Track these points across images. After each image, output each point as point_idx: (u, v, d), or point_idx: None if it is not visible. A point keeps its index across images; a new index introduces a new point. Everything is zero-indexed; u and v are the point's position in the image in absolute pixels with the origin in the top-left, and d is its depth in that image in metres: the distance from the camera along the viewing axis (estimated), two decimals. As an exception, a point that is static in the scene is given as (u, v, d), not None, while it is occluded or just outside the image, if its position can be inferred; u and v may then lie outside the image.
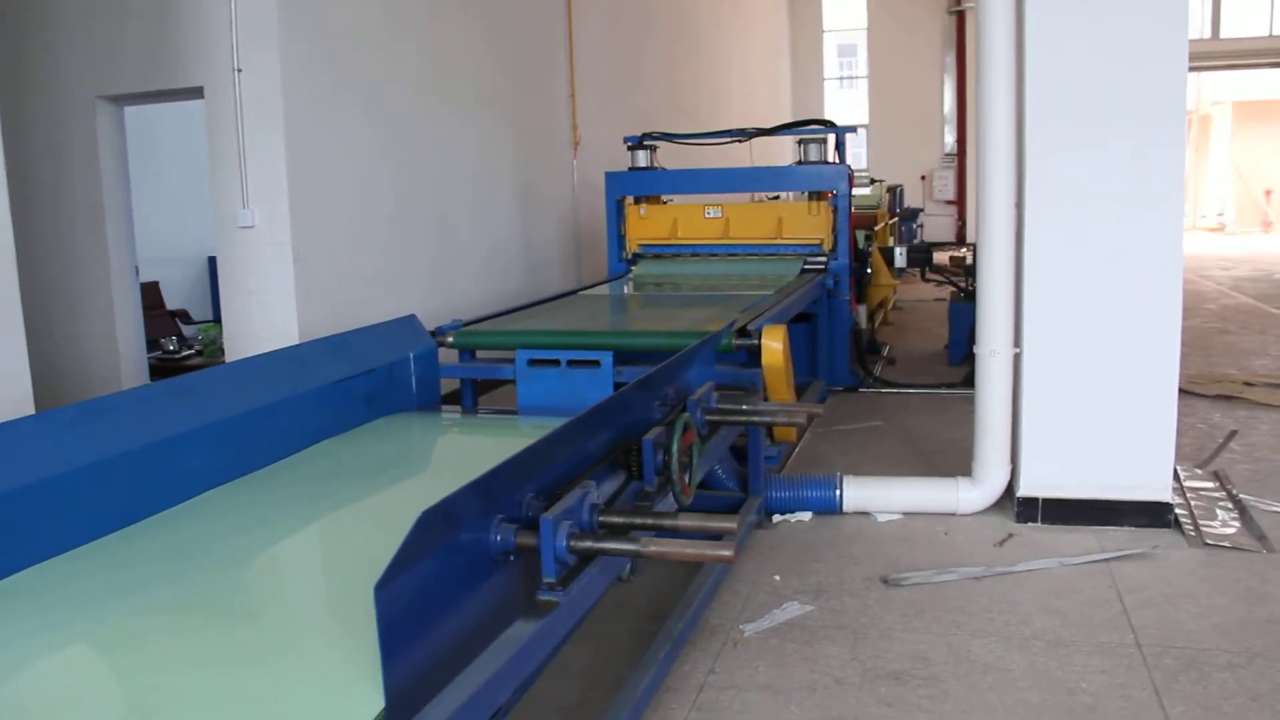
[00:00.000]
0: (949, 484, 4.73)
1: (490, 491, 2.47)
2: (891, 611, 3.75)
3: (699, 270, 7.70)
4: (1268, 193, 26.97)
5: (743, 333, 4.68)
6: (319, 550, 2.90)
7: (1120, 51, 4.29)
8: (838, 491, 4.76)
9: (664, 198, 8.19)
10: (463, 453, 4.21)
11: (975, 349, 4.65)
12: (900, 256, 8.39)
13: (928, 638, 3.55)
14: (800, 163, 7.63)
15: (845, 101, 27.81)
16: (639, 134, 8.17)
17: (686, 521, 2.52)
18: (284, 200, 5.85)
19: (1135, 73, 4.28)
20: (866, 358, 8.43)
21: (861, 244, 8.86)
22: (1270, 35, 22.21)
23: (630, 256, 7.96)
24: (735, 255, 7.76)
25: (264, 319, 6.02)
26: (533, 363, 4.86)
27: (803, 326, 7.42)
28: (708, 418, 3.65)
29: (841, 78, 31.60)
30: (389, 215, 6.82)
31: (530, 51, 9.02)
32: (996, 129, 4.42)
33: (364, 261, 6.51)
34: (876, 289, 8.38)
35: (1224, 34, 22.32)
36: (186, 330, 9.13)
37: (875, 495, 4.76)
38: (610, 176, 7.96)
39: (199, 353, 8.01)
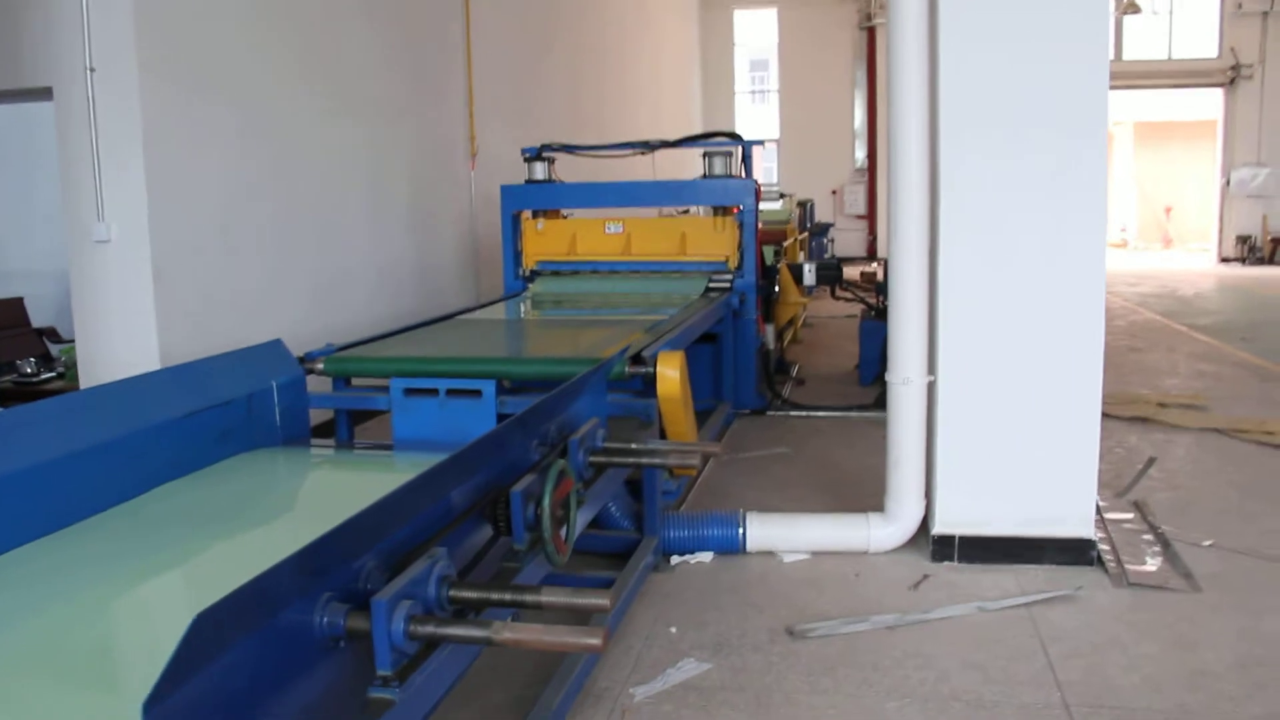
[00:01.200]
0: (859, 521, 4.41)
1: (318, 562, 2.07)
2: (797, 669, 3.40)
3: (599, 288, 7.32)
4: (1168, 210, 27.53)
5: (637, 359, 4.31)
6: (111, 624, 2.42)
7: (1039, 58, 4.02)
8: (741, 530, 4.40)
9: (564, 212, 7.81)
10: (322, 495, 3.76)
11: (886, 376, 4.34)
12: (809, 274, 8.11)
13: (837, 700, 3.20)
14: (705, 176, 7.30)
15: (757, 116, 27.74)
16: (539, 145, 7.78)
17: (550, 598, 2.13)
18: (143, 212, 5.35)
19: (1055, 81, 4.02)
20: (775, 379, 8.12)
21: (770, 260, 8.57)
22: (1169, 59, 22.59)
23: (527, 273, 7.56)
24: (637, 273, 7.40)
25: (123, 343, 5.50)
26: (409, 392, 4.46)
27: (707, 347, 7.08)
28: (592, 459, 3.27)
29: (754, 91, 31.57)
30: (266, 230, 6.33)
31: (424, 57, 8.58)
32: (908, 140, 4.12)
33: (237, 280, 6.01)
34: (785, 307, 8.09)
35: (1126, 55, 22.67)
36: (55, 349, 8.48)
37: (781, 534, 4.41)
38: (505, 190, 7.55)
39: (60, 375, 7.40)
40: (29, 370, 7.40)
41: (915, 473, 4.30)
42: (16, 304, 8.40)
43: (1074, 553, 4.16)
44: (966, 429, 4.24)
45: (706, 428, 6.26)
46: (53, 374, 7.48)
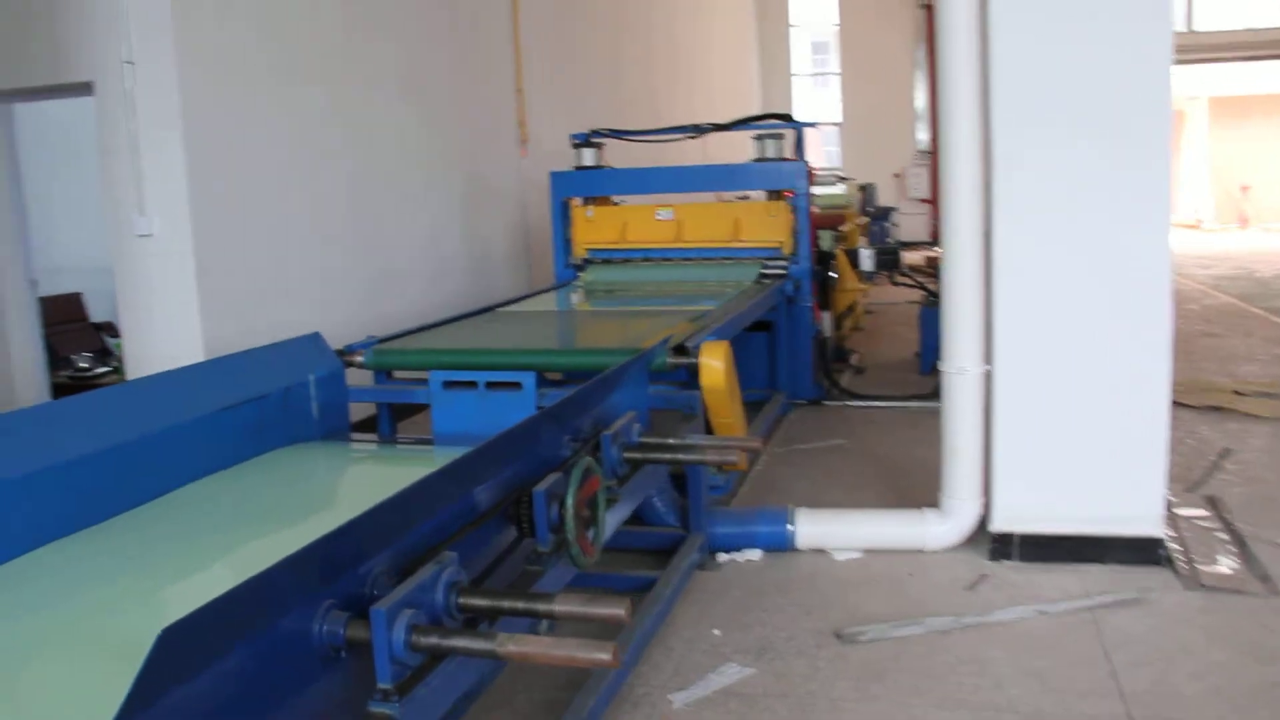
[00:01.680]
0: (915, 517, 4.22)
1: (313, 568, 1.96)
2: (844, 675, 3.23)
3: (650, 276, 7.18)
4: (1244, 189, 26.66)
5: (680, 349, 4.17)
6: (118, 620, 2.33)
7: (1095, 38, 3.80)
8: (790, 526, 4.24)
9: (615, 199, 7.67)
10: (353, 491, 3.67)
11: (940, 366, 4.15)
12: (867, 259, 7.88)
13: (885, 709, 3.04)
14: (757, 160, 7.11)
15: (819, 99, 27.36)
16: (589, 131, 7.64)
17: (564, 607, 1.99)
18: (184, 205, 5.29)
19: (1113, 60, 3.79)
20: (833, 367, 7.92)
21: (827, 246, 8.36)
22: (1247, 29, 21.87)
23: (578, 262, 7.44)
24: (689, 260, 7.24)
25: (167, 337, 5.46)
26: (448, 385, 4.35)
27: (761, 336, 6.92)
28: (626, 455, 3.13)
29: (815, 74, 31.15)
30: (312, 221, 6.26)
31: (472, 43, 8.47)
32: (959, 120, 3.93)
33: (282, 272, 5.95)
34: (842, 294, 7.87)
35: (1198, 27, 21.98)
36: (112, 344, 8.54)
37: (832, 531, 4.24)
38: (555, 176, 7.43)
39: (115, 370, 7.43)
40: (84, 365, 7.44)
41: (972, 467, 4.11)
42: (74, 299, 8.47)
43: (1141, 552, 3.94)
44: (1026, 421, 4.03)
45: (760, 419, 6.10)
46: (107, 369, 7.51)
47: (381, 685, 1.86)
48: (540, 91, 9.71)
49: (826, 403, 7.08)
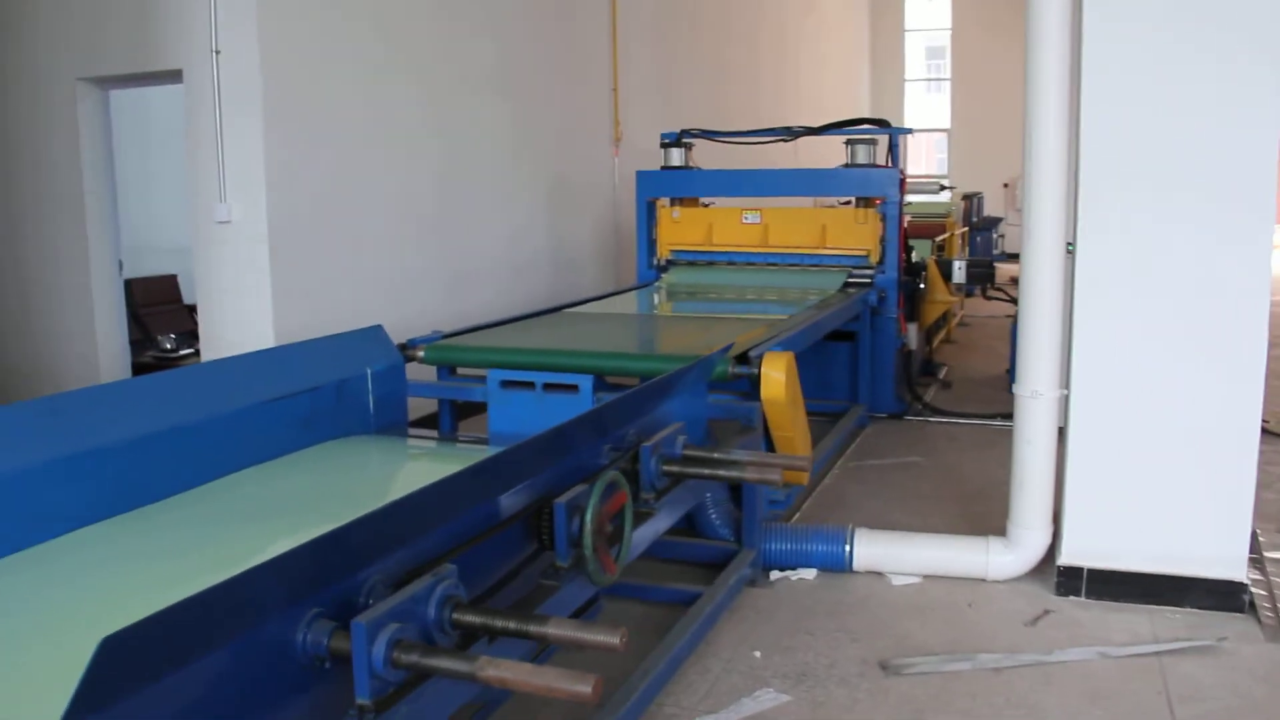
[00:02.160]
0: (978, 545, 4.03)
1: (311, 572, 1.91)
2: (882, 709, 3.08)
3: (734, 280, 7.05)
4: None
5: (742, 358, 4.04)
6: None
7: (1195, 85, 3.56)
8: (847, 547, 4.09)
9: (703, 200, 7.56)
10: (393, 488, 3.63)
11: (1014, 389, 3.95)
12: (959, 271, 7.62)
13: (924, 749, 2.88)
14: (848, 166, 6.93)
15: (932, 105, 26.81)
16: (679, 131, 7.54)
17: (557, 631, 1.90)
18: (261, 192, 5.35)
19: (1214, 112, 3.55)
20: (918, 381, 7.70)
21: (923, 255, 8.13)
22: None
23: (662, 263, 7.35)
24: (774, 265, 7.09)
25: (240, 323, 5.54)
26: (505, 384, 4.31)
27: (845, 345, 6.75)
28: (665, 468, 3.02)
29: (929, 80, 30.54)
30: (389, 212, 6.29)
31: (566, 39, 8.43)
32: (1045, 127, 3.72)
33: (357, 262, 5.98)
34: (932, 305, 7.62)
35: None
36: (205, 326, 8.72)
37: (891, 553, 4.07)
38: (641, 175, 7.35)
39: (198, 352, 7.56)
40: (168, 346, 7.60)
41: (1042, 496, 3.90)
42: (169, 281, 8.67)
43: (1221, 596, 3.69)
44: (1102, 450, 3.81)
45: (834, 431, 5.94)
46: (191, 350, 7.66)
47: (359, 700, 1.80)
48: (637, 91, 9.65)
49: (908, 417, 6.87)
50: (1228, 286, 3.60)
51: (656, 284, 7.18)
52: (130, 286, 8.84)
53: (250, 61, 5.27)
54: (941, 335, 9.50)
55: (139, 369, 6.65)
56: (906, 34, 23.46)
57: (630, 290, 6.98)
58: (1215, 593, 3.70)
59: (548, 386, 4.20)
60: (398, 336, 4.72)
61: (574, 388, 4.13)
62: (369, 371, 4.16)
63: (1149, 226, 3.66)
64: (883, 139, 7.18)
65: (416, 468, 3.90)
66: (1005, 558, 3.97)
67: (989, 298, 8.19)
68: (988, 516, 4.60)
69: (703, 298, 6.78)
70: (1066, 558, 3.87)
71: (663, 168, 7.39)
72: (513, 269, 7.60)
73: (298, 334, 5.13)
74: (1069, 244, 3.89)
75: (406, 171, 6.44)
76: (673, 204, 7.36)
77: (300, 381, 3.81)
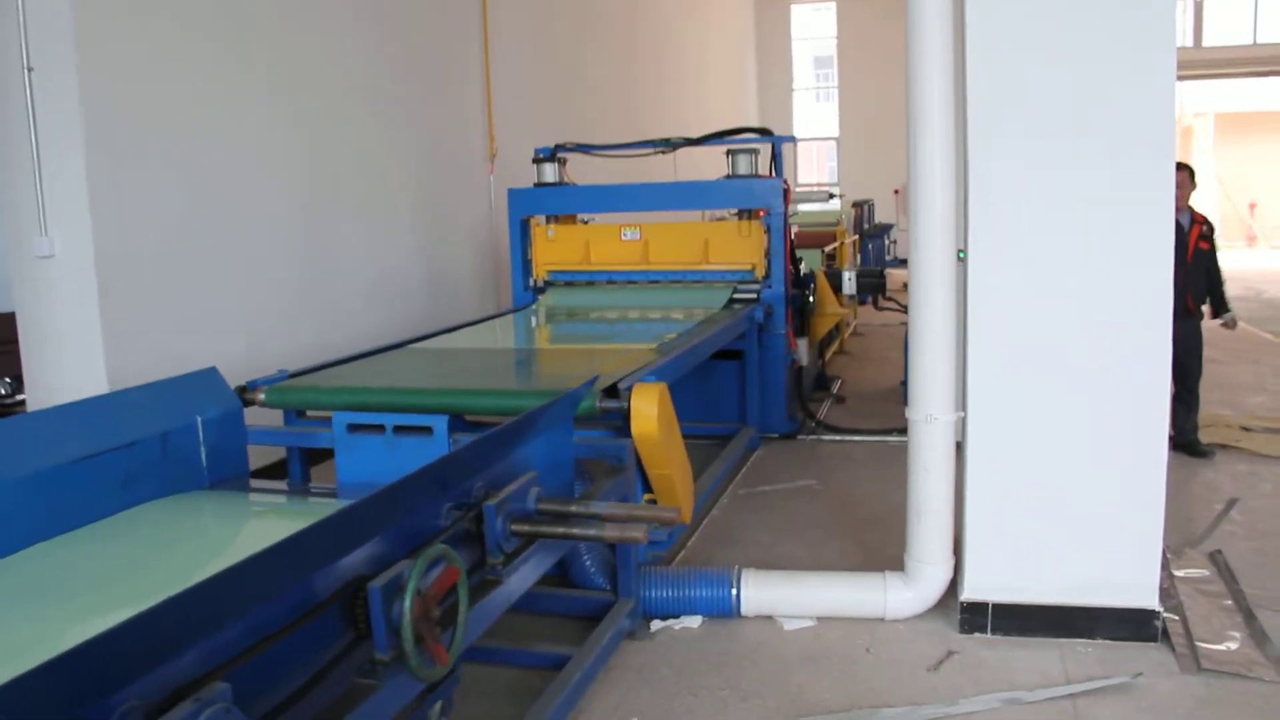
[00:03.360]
0: (875, 582, 3.72)
1: (44, 701, 1.50)
2: (776, 786, 2.74)
3: (614, 300, 6.70)
4: (1252, 206, 26.13)
5: (610, 391, 3.68)
6: None
7: (1090, 56, 3.31)
8: (734, 590, 3.74)
9: (581, 218, 7.20)
10: (210, 556, 3.18)
11: (907, 413, 3.65)
12: (849, 282, 7.39)
13: (820, 833, 2.54)
14: (729, 176, 6.63)
15: (823, 114, 26.90)
16: (554, 145, 7.17)
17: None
18: (86, 223, 4.83)
19: (1109, 81, 3.30)
20: (811, 398, 7.45)
21: (813, 266, 7.89)
22: (1254, 44, 21.41)
23: (539, 283, 6.97)
24: (656, 283, 6.76)
25: (71, 368, 4.99)
26: (353, 428, 3.89)
27: (732, 364, 6.44)
28: (515, 528, 2.63)
29: (819, 88, 30.71)
30: (247, 242, 5.78)
31: (433, 52, 8.00)
32: (930, 118, 3.45)
33: (210, 298, 5.46)
34: (822, 318, 7.38)
35: (1206, 42, 21.53)
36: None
37: (782, 596, 3.74)
38: (513, 193, 6.96)
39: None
40: (1, 391, 6.96)
41: (941, 527, 3.61)
42: (8, 319, 7.99)
43: (1134, 625, 3.43)
44: (1004, 475, 3.53)
45: (723, 456, 5.61)
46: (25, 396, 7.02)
47: None
48: (512, 106, 9.25)
49: (801, 437, 6.58)
50: (1127, 289, 3.35)
51: (533, 306, 6.80)
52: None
53: (68, 78, 4.75)
54: (834, 347, 9.29)
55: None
56: (795, 43, 23.47)
57: (505, 314, 6.58)
58: (1128, 622, 3.44)
59: (399, 429, 3.79)
60: (259, 376, 4.29)
61: (427, 430, 3.74)
62: (199, 420, 3.73)
63: (1041, 221, 3.39)
64: (765, 148, 6.92)
65: (245, 530, 3.45)
66: (904, 595, 3.67)
67: (880, 308, 7.98)
68: (887, 544, 4.32)
69: (582, 319, 6.42)
70: (970, 592, 3.58)
71: (536, 184, 7.01)
72: (386, 297, 7.14)
73: (136, 379, 4.62)
74: (959, 251, 3.63)
75: (265, 197, 5.95)
76: (548, 222, 6.99)
77: (115, 436, 3.38)
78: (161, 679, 1.73)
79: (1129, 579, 3.44)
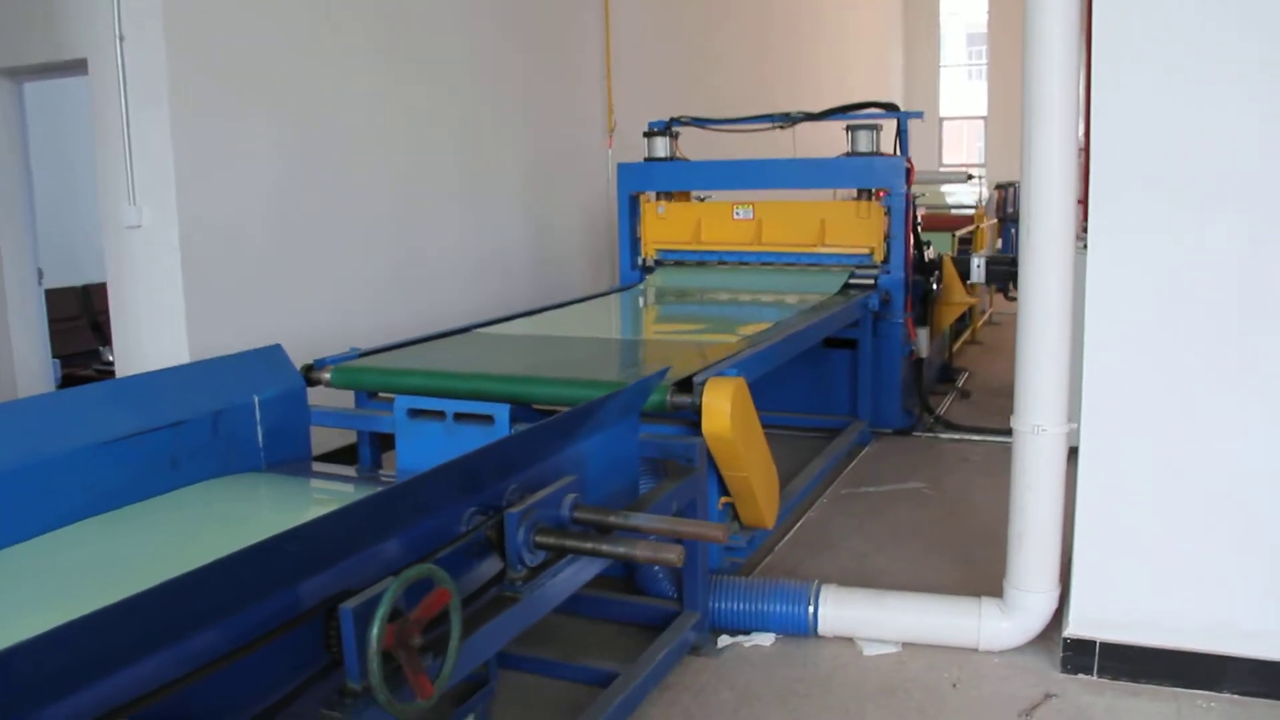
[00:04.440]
0: (969, 608, 3.33)
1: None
2: (827, 845, 2.42)
3: (724, 282, 6.38)
4: None
5: (684, 385, 3.39)
6: None
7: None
8: (811, 608, 3.41)
9: (695, 195, 6.89)
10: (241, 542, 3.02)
11: (1012, 422, 3.26)
12: (978, 269, 6.88)
13: None
14: (848, 154, 6.22)
15: (975, 92, 25.85)
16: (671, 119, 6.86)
17: None
18: (171, 194, 4.75)
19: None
20: (936, 389, 7.00)
21: (942, 251, 7.40)
22: None
23: (649, 262, 6.69)
24: (770, 264, 6.41)
25: (153, 338, 4.95)
26: (414, 413, 3.69)
27: (845, 354, 6.05)
28: (540, 539, 2.37)
29: (970, 65, 29.55)
30: (340, 214, 5.66)
31: (547, 17, 7.76)
32: (1047, 77, 3.02)
33: (289, 269, 5.34)
34: (947, 307, 6.89)
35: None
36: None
37: (864, 617, 3.39)
38: (623, 168, 6.70)
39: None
40: (110, 359, 7.05)
41: (1046, 552, 3.20)
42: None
43: (1268, 681, 2.97)
44: (1121, 497, 3.11)
45: (827, 452, 5.25)
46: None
47: None
48: (635, 77, 8.97)
49: (917, 433, 6.16)
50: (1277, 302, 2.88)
51: (640, 286, 6.53)
52: (89, 293, 8.35)
53: (156, 47, 4.67)
54: (965, 337, 8.76)
55: (79, 382, 6.10)
56: (944, 19, 22.56)
57: (609, 294, 6.33)
58: (1260, 676, 2.98)
59: (459, 416, 3.57)
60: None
61: (489, 418, 3.50)
62: (256, 399, 3.59)
63: (1177, 221, 2.95)
64: (890, 125, 6.47)
65: (282, 516, 3.28)
66: (1001, 625, 3.28)
67: (1011, 298, 7.41)
68: (995, 563, 3.87)
69: (689, 300, 6.13)
70: (1075, 627, 3.17)
71: (646, 159, 6.72)
72: (488, 271, 6.96)
73: (217, 351, 4.54)
74: (1080, 237, 3.20)
75: (363, 171, 5.82)
76: (658, 198, 6.70)
77: (162, 415, 3.26)
78: (97, 696, 1.56)
79: (1264, 626, 2.98)
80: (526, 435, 2.58)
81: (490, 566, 2.42)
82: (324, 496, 3.59)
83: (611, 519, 2.48)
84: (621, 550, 2.29)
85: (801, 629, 3.42)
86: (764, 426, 3.74)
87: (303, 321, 5.37)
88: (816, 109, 6.68)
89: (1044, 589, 3.22)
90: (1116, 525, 3.11)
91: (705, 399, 3.27)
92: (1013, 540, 3.25)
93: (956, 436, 6.10)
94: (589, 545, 2.32)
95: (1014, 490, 3.24)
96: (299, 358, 4.28)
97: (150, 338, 4.93)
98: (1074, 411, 3.16)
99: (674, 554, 2.23)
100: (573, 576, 2.50)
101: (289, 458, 3.71)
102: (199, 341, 4.86)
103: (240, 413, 3.52)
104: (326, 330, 5.45)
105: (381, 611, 1.79)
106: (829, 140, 6.54)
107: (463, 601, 2.35)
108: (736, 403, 3.29)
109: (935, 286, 6.66)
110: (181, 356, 4.82)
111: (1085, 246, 3.14)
